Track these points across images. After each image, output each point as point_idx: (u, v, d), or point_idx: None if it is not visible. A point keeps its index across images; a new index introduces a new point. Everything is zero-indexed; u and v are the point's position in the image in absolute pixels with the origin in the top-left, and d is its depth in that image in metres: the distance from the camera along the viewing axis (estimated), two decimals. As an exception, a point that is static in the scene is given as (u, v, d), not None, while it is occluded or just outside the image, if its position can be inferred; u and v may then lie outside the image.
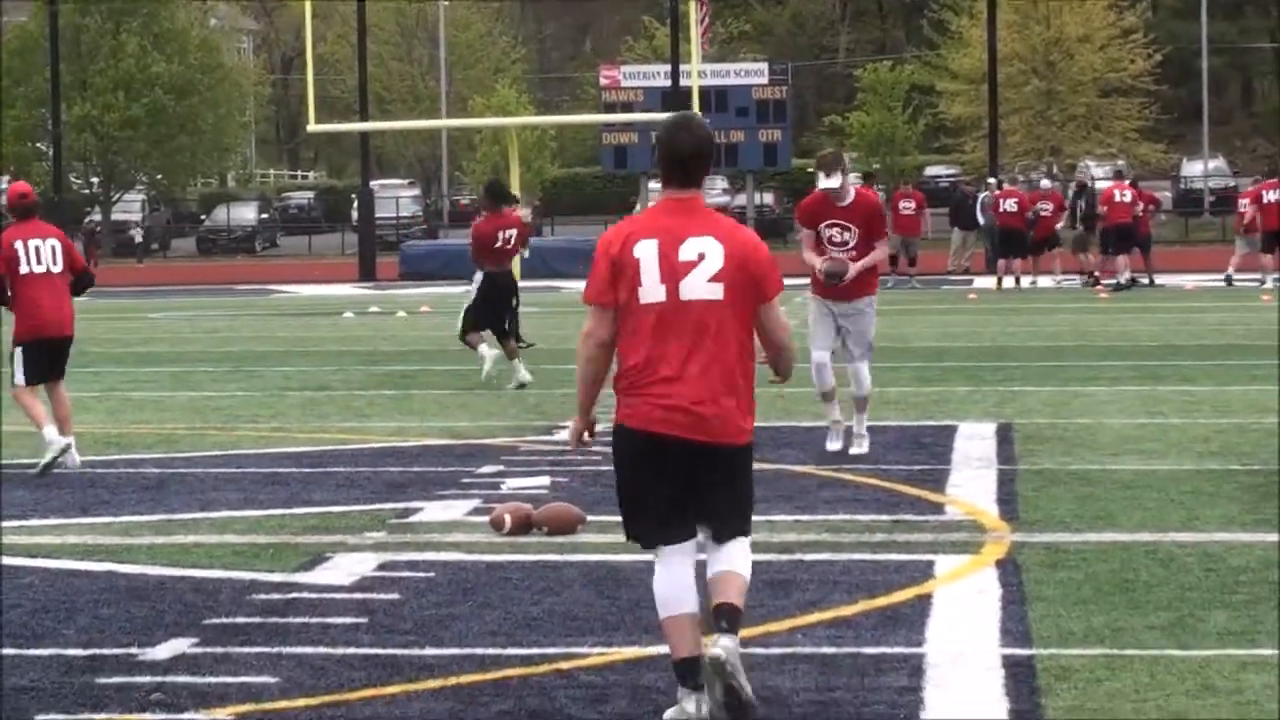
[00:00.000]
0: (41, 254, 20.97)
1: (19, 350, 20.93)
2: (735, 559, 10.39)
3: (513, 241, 30.40)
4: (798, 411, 23.69)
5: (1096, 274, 56.53)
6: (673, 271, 10.22)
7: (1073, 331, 39.90)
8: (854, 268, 20.43)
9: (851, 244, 20.52)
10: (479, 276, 29.79)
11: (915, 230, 61.58)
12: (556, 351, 34.67)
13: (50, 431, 20.58)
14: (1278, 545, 15.27)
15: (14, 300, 21.01)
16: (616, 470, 10.67)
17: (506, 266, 30.71)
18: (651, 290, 10.22)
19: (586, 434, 10.76)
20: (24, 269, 20.95)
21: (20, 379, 20.94)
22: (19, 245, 20.96)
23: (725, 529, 10.45)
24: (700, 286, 10.21)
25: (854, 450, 20.96)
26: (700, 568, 10.57)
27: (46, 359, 21.07)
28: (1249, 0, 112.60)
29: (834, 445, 21.18)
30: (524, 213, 39.93)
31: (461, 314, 29.63)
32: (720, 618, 10.16)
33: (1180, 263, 61.91)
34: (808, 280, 21.62)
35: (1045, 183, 66.47)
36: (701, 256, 10.23)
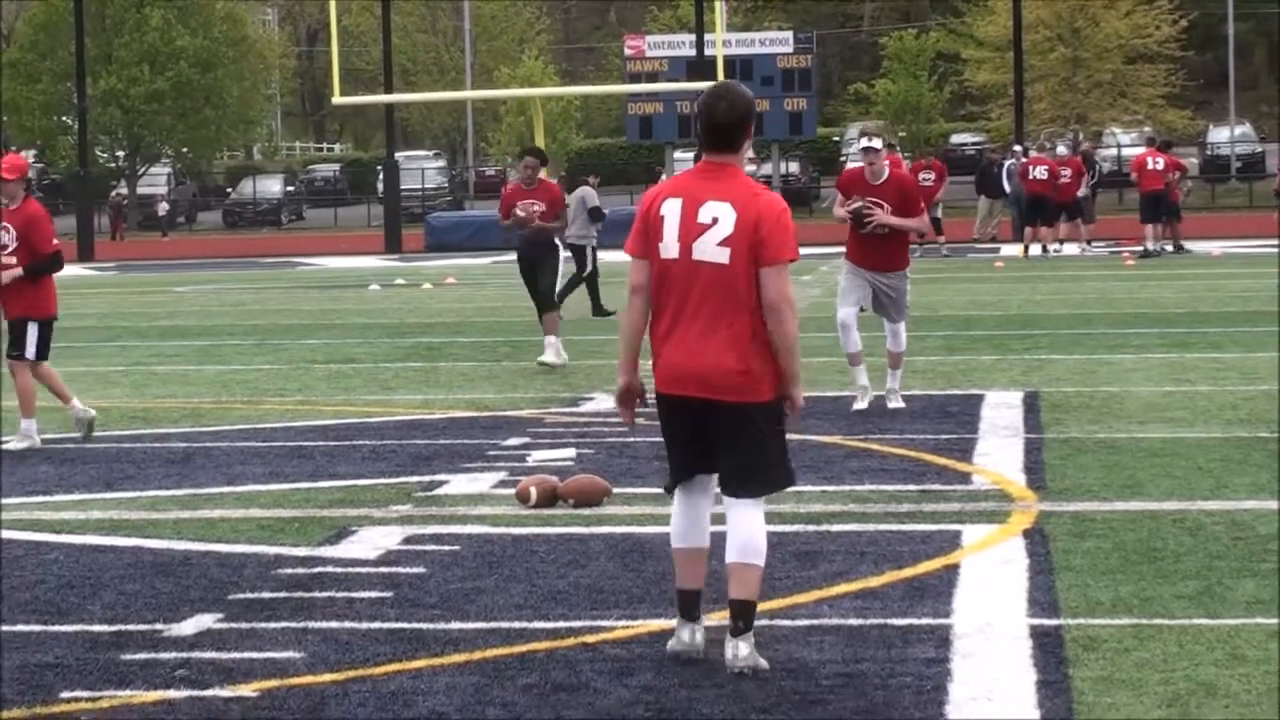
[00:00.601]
0: None
1: (35, 326, 20.75)
2: (746, 541, 10.84)
3: None
4: (823, 381, 23.68)
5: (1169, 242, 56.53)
6: (688, 231, 10.77)
7: (1099, 299, 39.92)
8: (885, 217, 21.29)
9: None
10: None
11: (933, 195, 61.80)
12: (583, 323, 34.74)
13: (31, 426, 20.80)
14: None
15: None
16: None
17: None
18: (670, 246, 10.81)
19: (636, 400, 11.25)
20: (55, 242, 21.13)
21: (33, 353, 20.74)
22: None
23: (734, 482, 10.90)
24: (710, 249, 10.71)
25: (890, 405, 21.98)
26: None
27: (49, 336, 21.17)
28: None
29: (860, 405, 21.84)
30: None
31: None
32: (735, 619, 10.74)
33: (1207, 229, 61.80)
34: (842, 249, 21.95)
35: (1062, 149, 66.34)
36: (715, 220, 10.71)
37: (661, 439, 11.43)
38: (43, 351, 20.80)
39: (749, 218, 10.71)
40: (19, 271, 20.41)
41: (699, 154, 11.11)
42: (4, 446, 20.36)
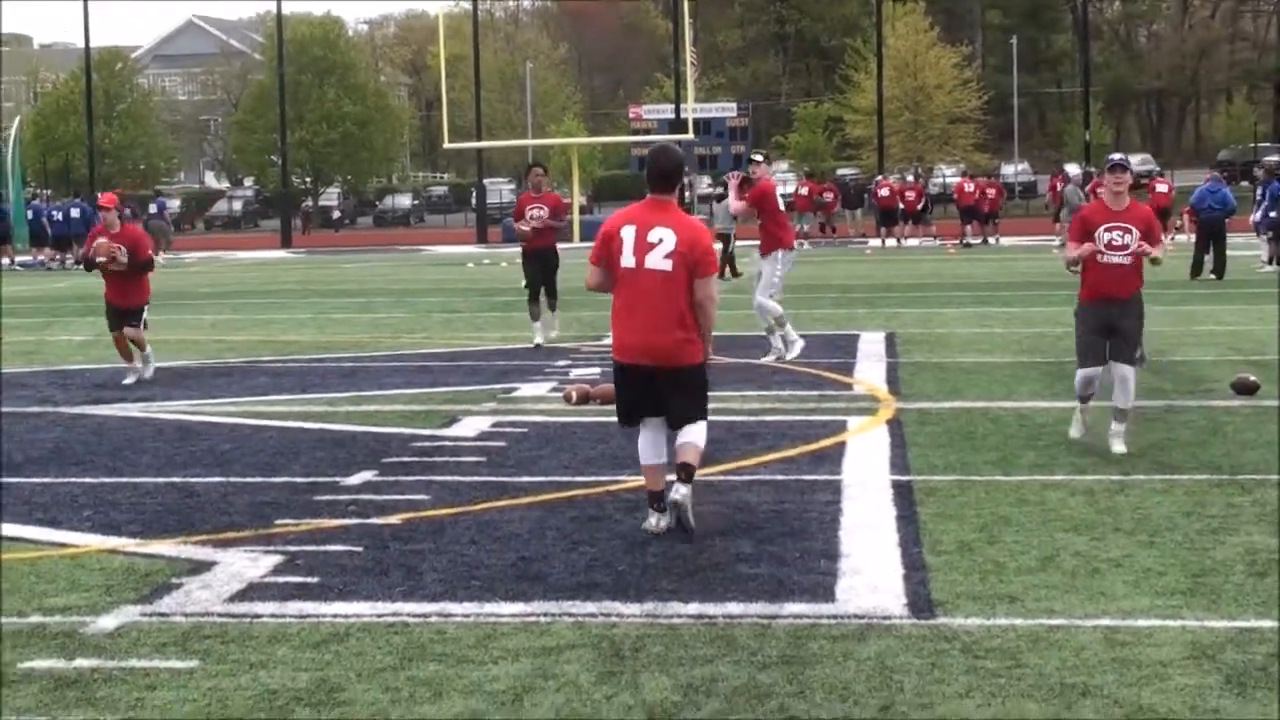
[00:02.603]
0: None
1: (145, 308, 19.54)
2: (690, 434, 10.24)
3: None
4: (758, 328, 23.59)
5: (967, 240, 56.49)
6: (641, 248, 10.12)
7: (933, 274, 39.79)
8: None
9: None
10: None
11: (831, 210, 61.81)
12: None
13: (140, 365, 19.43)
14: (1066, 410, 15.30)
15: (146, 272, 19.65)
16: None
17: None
18: (628, 258, 10.15)
19: None
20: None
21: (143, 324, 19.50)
22: None
23: (680, 420, 10.29)
24: (658, 260, 10.07)
25: (766, 358, 19.95)
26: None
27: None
28: (1043, 61, 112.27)
29: (768, 359, 19.88)
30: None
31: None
32: (680, 472, 10.11)
33: (1000, 231, 61.45)
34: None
35: (909, 177, 66.11)
36: (661, 240, 10.08)
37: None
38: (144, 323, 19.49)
39: (685, 242, 10.08)
40: (125, 262, 19.12)
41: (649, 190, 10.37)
42: (144, 377, 19.29)
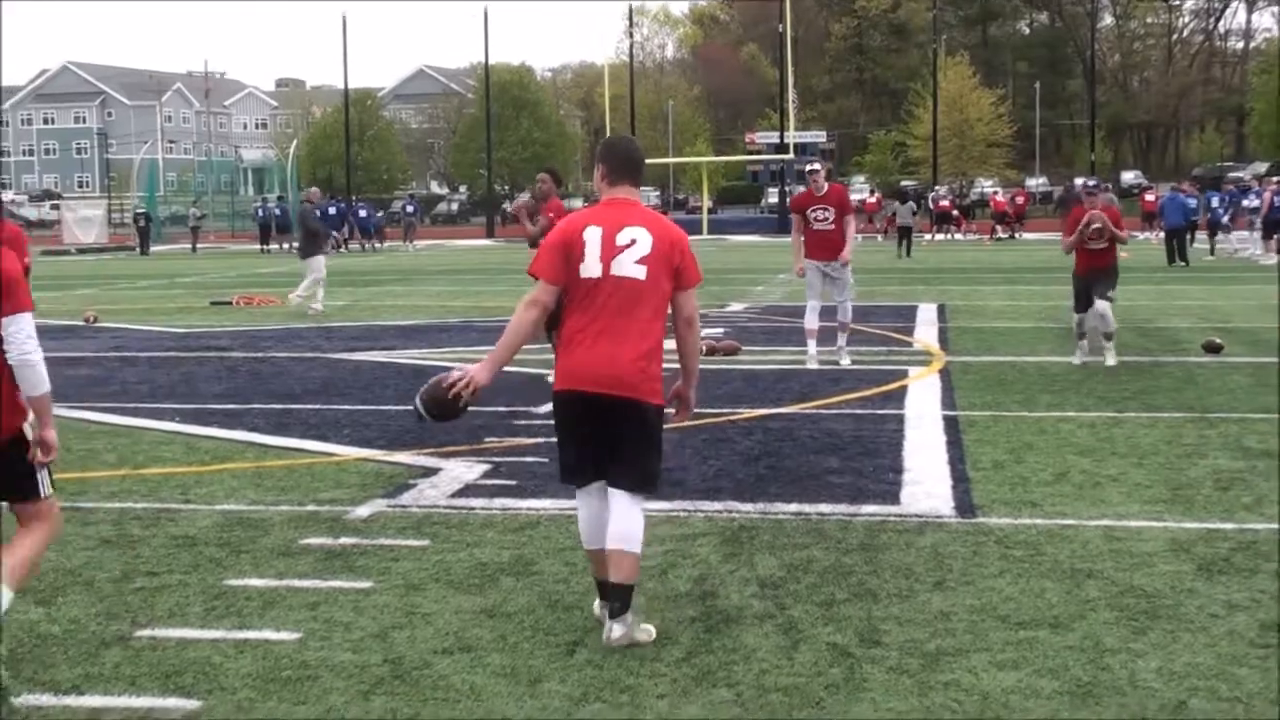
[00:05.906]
0: None
1: None
2: (625, 525, 5.95)
3: None
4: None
5: (997, 231, 55.96)
6: (608, 252, 5.91)
7: (973, 260, 39.29)
8: (845, 254, 15.26)
9: (830, 219, 15.19)
10: None
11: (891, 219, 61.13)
12: (722, 271, 34.46)
13: None
14: (1072, 364, 15.07)
15: None
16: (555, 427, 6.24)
17: None
18: (592, 267, 5.90)
19: (472, 394, 6.30)
20: None
21: None
22: None
23: (625, 475, 5.96)
24: (629, 267, 5.90)
25: (842, 363, 15.28)
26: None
27: None
28: (1059, 100, 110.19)
29: (811, 365, 15.15)
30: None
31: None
32: (613, 599, 5.92)
33: (1026, 228, 60.48)
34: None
35: (943, 189, 65.25)
36: (633, 241, 5.91)
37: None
38: None
39: (663, 242, 5.97)
40: None
41: (604, 188, 6.16)
42: None
